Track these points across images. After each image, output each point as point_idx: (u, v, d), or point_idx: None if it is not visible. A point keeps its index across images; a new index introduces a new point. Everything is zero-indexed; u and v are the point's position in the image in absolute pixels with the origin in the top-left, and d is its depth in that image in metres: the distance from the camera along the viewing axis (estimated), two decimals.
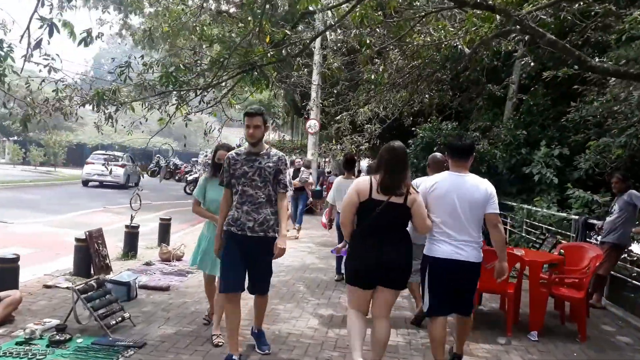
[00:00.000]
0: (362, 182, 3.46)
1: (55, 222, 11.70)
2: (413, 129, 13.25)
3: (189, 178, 21.09)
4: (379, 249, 3.38)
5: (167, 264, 7.40)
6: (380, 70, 7.60)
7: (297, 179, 9.94)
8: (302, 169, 10.52)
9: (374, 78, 7.46)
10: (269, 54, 5.28)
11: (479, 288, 4.77)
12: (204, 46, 10.10)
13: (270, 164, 3.82)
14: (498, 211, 3.75)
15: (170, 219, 8.97)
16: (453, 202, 3.55)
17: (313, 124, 16.55)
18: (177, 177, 28.30)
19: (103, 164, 19.61)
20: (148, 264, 7.29)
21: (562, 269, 5.56)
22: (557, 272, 5.54)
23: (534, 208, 10.79)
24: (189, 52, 7.70)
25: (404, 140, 17.67)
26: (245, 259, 3.82)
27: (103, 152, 26.52)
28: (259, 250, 3.80)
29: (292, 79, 10.08)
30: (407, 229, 3.59)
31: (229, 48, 7.20)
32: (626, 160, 9.76)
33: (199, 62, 6.11)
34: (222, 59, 5.50)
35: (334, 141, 10.81)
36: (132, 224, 7.86)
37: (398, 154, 3.46)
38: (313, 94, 15.00)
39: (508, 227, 12.09)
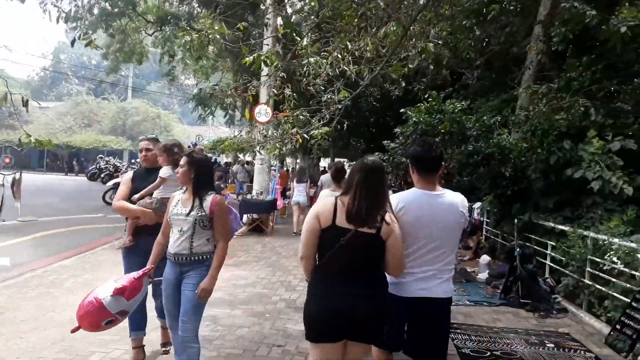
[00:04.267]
0: (324, 204, 2.78)
1: None
2: (402, 110, 8.91)
3: (109, 184, 16.33)
4: (346, 292, 2.69)
5: None
6: None
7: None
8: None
9: None
10: None
11: None
12: None
13: None
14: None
15: None
16: (426, 228, 2.93)
17: (263, 110, 12.04)
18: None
19: None
20: None
21: None
22: None
23: (604, 237, 6.48)
24: None
25: (389, 126, 13.25)
26: None
27: None
28: None
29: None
30: None
31: None
32: None
33: None
34: None
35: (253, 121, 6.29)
36: None
37: (374, 172, 2.77)
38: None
39: (548, 263, 7.80)
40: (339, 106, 5.20)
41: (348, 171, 2.87)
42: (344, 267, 2.72)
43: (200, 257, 3.37)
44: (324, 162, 31.44)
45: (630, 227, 6.74)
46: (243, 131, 28.61)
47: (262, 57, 4.31)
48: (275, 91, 5.70)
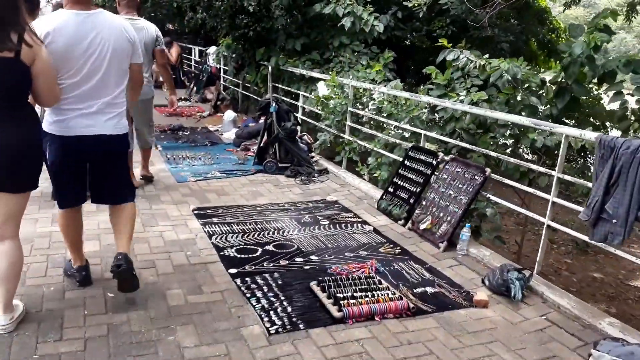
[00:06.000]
0: None
1: None
2: None
3: None
4: None
5: None
6: None
7: None
8: None
9: None
10: None
11: None
12: None
13: None
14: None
15: None
16: (83, 56, 2.56)
17: None
18: None
19: None
20: None
21: None
22: None
23: (367, 86, 5.72)
24: None
25: None
26: None
27: None
28: None
29: None
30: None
31: None
32: None
33: None
34: None
35: None
36: None
37: None
38: None
39: (300, 116, 6.97)
40: None
41: None
42: None
43: None
44: None
45: (386, 71, 6.17)
46: None
47: None
48: None
